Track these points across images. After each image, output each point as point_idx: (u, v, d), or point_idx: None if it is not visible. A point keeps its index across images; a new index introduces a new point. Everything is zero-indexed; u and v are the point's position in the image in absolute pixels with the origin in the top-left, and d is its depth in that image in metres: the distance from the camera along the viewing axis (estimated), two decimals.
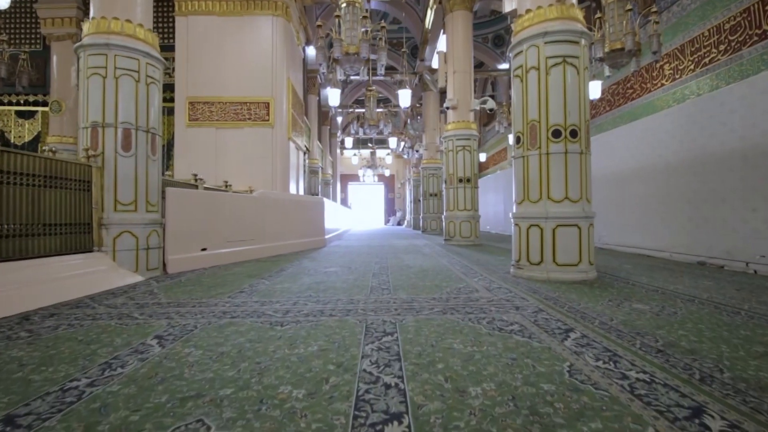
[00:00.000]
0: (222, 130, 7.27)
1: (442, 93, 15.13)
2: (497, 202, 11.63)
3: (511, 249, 6.29)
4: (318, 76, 12.10)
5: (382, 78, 13.35)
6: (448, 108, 7.33)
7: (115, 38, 3.45)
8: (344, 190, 25.59)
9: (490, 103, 7.13)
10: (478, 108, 7.28)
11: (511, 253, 3.70)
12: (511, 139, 13.36)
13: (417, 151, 12.23)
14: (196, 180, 5.11)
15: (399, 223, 24.79)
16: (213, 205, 4.52)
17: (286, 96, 7.51)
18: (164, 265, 3.84)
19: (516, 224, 3.58)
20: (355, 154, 22.14)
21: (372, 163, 18.98)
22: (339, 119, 19.43)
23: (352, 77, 12.66)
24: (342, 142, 22.21)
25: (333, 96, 8.56)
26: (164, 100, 8.03)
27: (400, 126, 17.97)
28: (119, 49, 3.46)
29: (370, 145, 20.27)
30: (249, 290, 2.93)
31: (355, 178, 24.53)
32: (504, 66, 14.52)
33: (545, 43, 3.35)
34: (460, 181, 7.30)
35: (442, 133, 12.92)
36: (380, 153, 21.94)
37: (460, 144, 7.31)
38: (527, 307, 2.33)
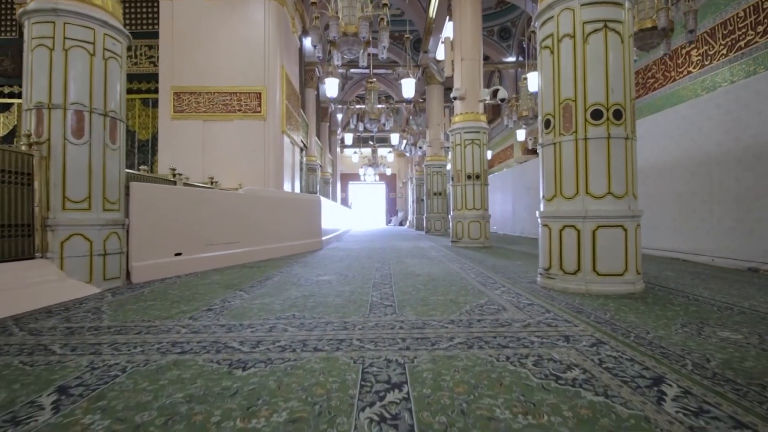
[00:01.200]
0: (210, 123, 6.70)
1: (447, 90, 14.52)
2: (505, 202, 11.04)
3: (528, 253, 5.68)
4: (316, 69, 11.52)
5: (383, 72, 12.78)
6: (455, 98, 6.74)
7: (65, 2, 2.87)
8: (344, 189, 25.02)
9: (502, 93, 6.54)
10: (487, 98, 6.69)
11: (539, 259, 3.11)
12: (520, 135, 12.73)
13: (420, 147, 11.65)
14: (174, 175, 4.54)
15: (401, 224, 24.21)
16: (191, 203, 3.94)
17: (280, 86, 6.93)
18: (128, 273, 3.26)
19: (545, 225, 2.99)
20: (355, 152, 21.58)
21: (373, 162, 18.41)
22: (339, 116, 18.86)
23: (351, 71, 12.07)
24: (342, 140, 21.65)
25: (331, 86, 7.99)
26: (148, 91, 7.50)
27: (402, 123, 17.39)
28: (69, 15, 2.88)
29: (370, 143, 19.69)
30: (219, 307, 2.35)
31: (355, 177, 23.96)
32: (511, 59, 13.95)
33: (581, 5, 2.77)
34: (469, 177, 6.72)
35: (449, 127, 12.35)
36: (381, 151, 21.36)
37: (468, 137, 6.72)
38: (580, 336, 1.74)
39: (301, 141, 10.94)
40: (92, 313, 2.26)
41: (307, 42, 11.25)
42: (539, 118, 3.13)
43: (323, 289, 2.93)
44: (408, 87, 8.23)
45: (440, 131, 11.49)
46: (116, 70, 3.16)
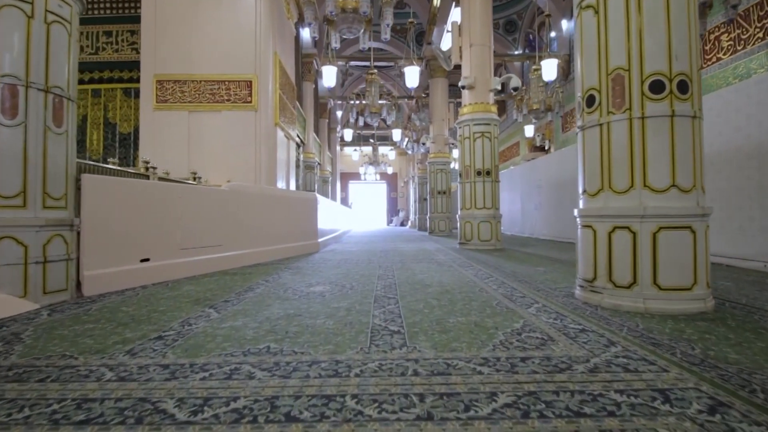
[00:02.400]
0: (196, 114, 6.14)
1: (452, 86, 13.95)
2: (513, 201, 10.47)
3: (547, 256, 5.02)
4: (314, 61, 10.97)
5: (384, 65, 12.23)
6: (463, 87, 6.18)
7: None
8: (344, 189, 24.47)
9: (515, 81, 5.99)
10: (499, 87, 6.13)
11: (578, 268, 2.55)
12: (528, 131, 12.17)
13: (423, 144, 11.09)
14: (147, 168, 3.98)
15: (402, 224, 23.65)
16: (162, 201, 3.38)
17: (273, 74, 6.38)
18: (79, 284, 2.70)
19: (587, 225, 2.43)
20: (355, 149, 21.01)
21: (374, 160, 17.85)
22: (339, 114, 18.31)
23: (351, 64, 11.50)
24: (341, 137, 21.09)
25: (328, 75, 7.43)
26: (130, 80, 6.94)
27: (404, 120, 16.83)
28: None
29: (371, 141, 19.13)
30: (175, 334, 1.80)
31: (355, 176, 23.41)
32: (516, 53, 13.39)
33: None
34: (479, 173, 6.15)
35: (453, 122, 11.78)
36: (382, 149, 20.80)
37: (478, 130, 6.16)
38: (681, 391, 1.18)
39: (297, 136, 10.38)
40: (4, 343, 1.70)
41: (305, 33, 10.71)
42: (577, 95, 2.57)
43: (313, 305, 2.37)
44: (412, 76, 7.67)
45: (444, 127, 10.94)
46: (63, 38, 2.60)
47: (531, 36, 13.43)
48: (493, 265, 4.18)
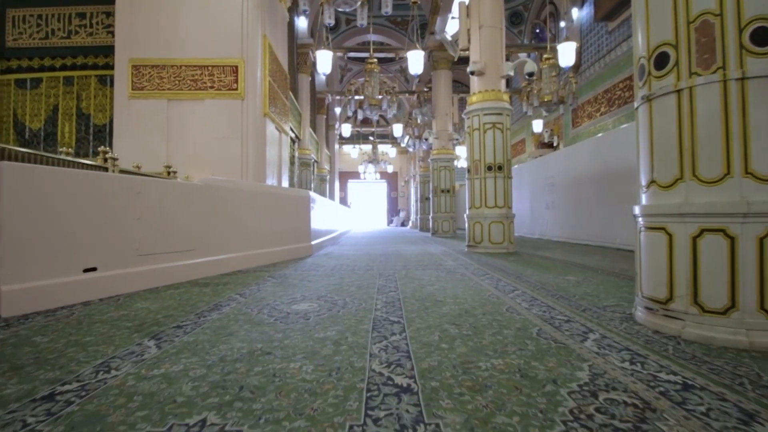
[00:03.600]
0: (176, 103, 5.54)
1: (456, 82, 13.33)
2: (521, 200, 9.85)
3: (571, 262, 4.30)
4: (310, 52, 10.36)
5: (383, 56, 11.64)
6: (472, 73, 5.58)
7: None
8: (343, 188, 23.88)
9: (530, 66, 5.40)
10: (511, 72, 5.53)
11: (638, 282, 1.95)
12: (537, 126, 11.54)
13: (426, 139, 10.49)
14: (106, 159, 3.39)
15: (403, 224, 23.07)
16: (116, 197, 2.78)
17: (262, 59, 5.78)
18: None
19: (656, 228, 1.84)
20: (354, 147, 20.43)
21: (373, 158, 17.25)
22: (337, 110, 17.72)
23: (349, 56, 10.88)
24: (340, 135, 20.50)
25: (323, 61, 6.82)
26: (106, 66, 6.33)
27: (405, 117, 16.24)
28: None
29: (371, 138, 18.53)
30: (75, 391, 1.20)
31: (355, 175, 22.81)
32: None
33: None
34: (489, 169, 5.55)
35: (457, 117, 11.19)
36: (382, 147, 20.22)
37: (488, 120, 5.56)
38: None
39: (292, 131, 9.79)
40: None
41: (301, 22, 10.12)
42: (640, 56, 1.97)
43: (291, 333, 1.77)
44: (416, 61, 7.05)
45: (448, 122, 10.34)
46: None
47: (538, 28, 12.84)
48: (512, 273, 3.57)
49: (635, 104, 2.05)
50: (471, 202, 5.76)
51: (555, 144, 11.80)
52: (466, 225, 5.90)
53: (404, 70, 17.78)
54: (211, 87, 5.51)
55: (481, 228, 5.58)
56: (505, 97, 5.65)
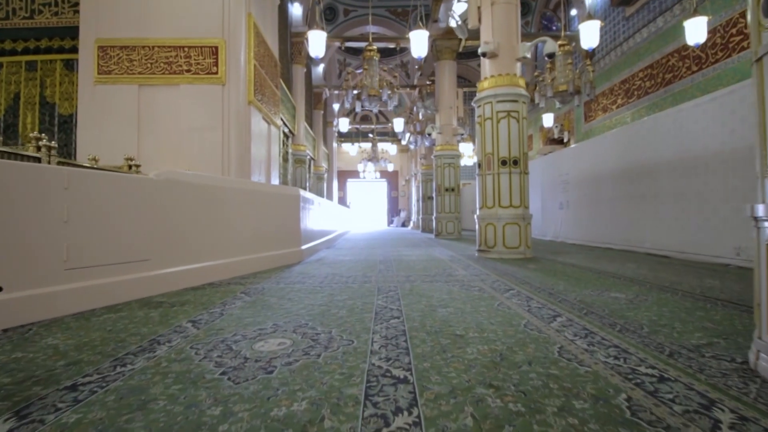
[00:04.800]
0: (148, 89, 4.89)
1: (461, 77, 12.61)
2: (532, 199, 9.17)
3: (605, 272, 3.60)
4: (305, 42, 9.70)
5: (383, 46, 10.99)
6: (484, 54, 4.93)
7: None
8: (342, 187, 23.23)
9: (550, 45, 4.74)
10: (528, 54, 4.88)
11: (761, 318, 1.29)
12: (547, 121, 10.93)
13: (429, 134, 9.83)
14: (39, 148, 2.74)
15: (403, 224, 22.43)
16: (37, 194, 2.13)
17: (246, 40, 5.13)
18: None
19: None
20: (353, 144, 19.78)
21: (373, 156, 16.60)
22: (335, 107, 17.06)
23: (347, 45, 10.22)
24: (338, 133, 19.85)
25: (315, 42, 6.16)
26: (71, 50, 5.65)
27: (405, 113, 15.58)
28: None
29: (370, 136, 17.88)
30: None
31: (354, 174, 22.16)
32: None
33: None
34: (504, 163, 4.90)
35: (462, 111, 10.53)
36: (382, 145, 19.57)
37: (502, 108, 4.91)
38: None
39: (284, 123, 9.14)
40: None
41: (295, 9, 9.47)
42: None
43: (236, 406, 1.12)
44: (419, 42, 6.37)
45: (452, 116, 9.68)
46: None
47: (546, 18, 12.18)
48: (540, 287, 2.92)
49: (753, 58, 1.39)
50: (482, 201, 5.11)
51: (565, 140, 11.14)
52: (477, 227, 5.24)
53: (405, 65, 17.13)
54: (188, 71, 4.85)
55: (494, 230, 4.92)
56: (521, 82, 4.99)
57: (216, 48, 4.87)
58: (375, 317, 2.09)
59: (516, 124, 4.90)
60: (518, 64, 5.01)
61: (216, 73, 4.86)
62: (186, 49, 4.86)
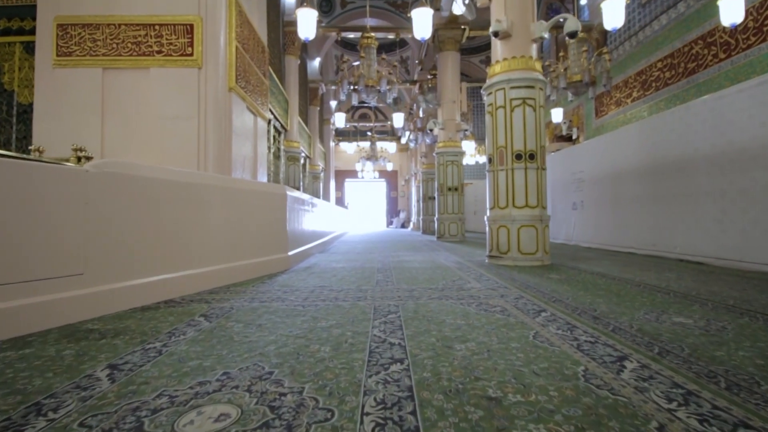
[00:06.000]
0: (113, 73, 4.30)
1: (464, 75, 11.97)
2: None
3: (647, 284, 3.04)
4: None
5: (382, 37, 10.42)
6: (495, 34, 4.35)
7: None
8: (340, 187, 22.64)
9: (571, 23, 4.17)
10: (546, 34, 4.30)
11: None
12: (556, 116, 10.37)
13: (430, 130, 9.24)
14: None
15: (403, 225, 21.84)
16: None
17: (227, 18, 4.54)
18: None
19: None
20: (350, 143, 19.19)
21: (372, 155, 16.01)
22: (333, 104, 16.49)
23: (344, 36, 9.63)
24: (336, 131, 19.29)
25: (305, 21, 5.58)
26: (32, 31, 5.06)
27: (405, 110, 15.01)
28: None
29: (369, 134, 17.30)
30: None
31: (352, 174, 21.59)
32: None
33: None
34: (518, 158, 4.32)
35: (465, 105, 9.96)
36: (381, 144, 19.00)
37: (516, 95, 4.33)
38: None
39: (276, 118, 8.57)
40: None
41: None
42: None
43: None
44: (422, 21, 5.77)
45: (456, 111, 9.10)
46: None
47: (554, 8, 11.62)
48: (578, 308, 2.33)
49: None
50: (494, 200, 4.52)
51: (574, 137, 10.57)
52: (487, 229, 4.66)
53: (405, 61, 16.56)
54: (159, 52, 4.27)
55: (508, 234, 4.34)
56: (538, 65, 4.41)
57: (191, 26, 4.28)
58: (368, 360, 1.50)
59: (532, 113, 4.32)
60: (534, 46, 4.43)
61: (191, 54, 4.27)
62: (157, 27, 4.27)
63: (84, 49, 4.27)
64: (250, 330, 1.92)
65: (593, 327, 1.92)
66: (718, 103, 4.19)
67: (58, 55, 4.27)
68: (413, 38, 13.71)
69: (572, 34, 4.19)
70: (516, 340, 1.72)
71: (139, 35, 4.26)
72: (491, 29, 4.36)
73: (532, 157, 4.30)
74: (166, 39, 4.27)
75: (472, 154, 13.91)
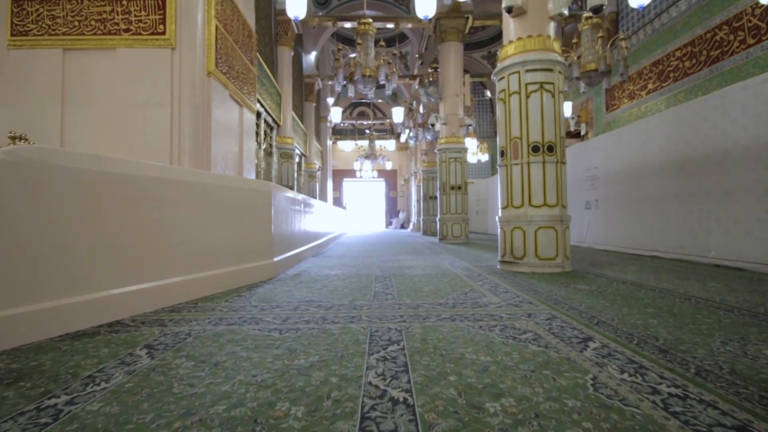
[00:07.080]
0: (75, 54, 3.79)
1: (469, 74, 11.41)
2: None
3: (690, 295, 2.62)
4: (292, 21, 8.60)
5: (380, 27, 9.91)
6: (508, 10, 3.85)
7: None
8: (338, 187, 22.12)
9: None
10: (566, 11, 3.80)
11: None
12: (565, 110, 9.93)
13: (432, 126, 8.73)
14: None
15: (402, 226, 21.33)
16: None
17: None
18: None
19: None
20: (348, 141, 18.68)
21: (370, 154, 15.50)
22: (330, 101, 15.97)
23: (340, 25, 9.15)
24: (333, 129, 18.78)
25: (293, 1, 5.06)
26: None
27: (405, 107, 14.50)
28: None
29: (367, 132, 16.79)
30: None
31: (350, 173, 21.06)
32: None
33: None
34: (535, 150, 3.81)
35: (468, 99, 9.45)
36: (380, 143, 18.49)
37: (532, 80, 3.83)
38: None
39: (265, 110, 8.05)
40: None
41: None
42: None
43: None
44: (425, 1, 5.26)
45: (458, 105, 8.60)
46: None
47: None
48: (634, 335, 1.83)
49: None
50: (507, 198, 4.01)
51: (583, 133, 10.07)
52: (499, 231, 4.15)
53: (404, 56, 16.05)
54: (126, 30, 3.75)
55: (524, 236, 3.83)
56: (556, 45, 3.91)
57: (163, 1, 3.76)
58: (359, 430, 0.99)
59: (550, 100, 3.81)
60: (552, 25, 3.93)
61: (163, 33, 3.76)
62: (124, 2, 3.76)
63: (42, 28, 3.75)
64: (199, 373, 1.41)
65: (668, 368, 1.41)
66: (762, 88, 3.69)
67: (12, 35, 3.76)
68: (413, 31, 13.20)
69: (596, 9, 3.70)
70: (570, 393, 1.21)
71: (104, 11, 3.75)
72: (504, 4, 3.85)
73: (550, 149, 3.80)
74: (135, 15, 3.75)
75: (474, 152, 13.41)
